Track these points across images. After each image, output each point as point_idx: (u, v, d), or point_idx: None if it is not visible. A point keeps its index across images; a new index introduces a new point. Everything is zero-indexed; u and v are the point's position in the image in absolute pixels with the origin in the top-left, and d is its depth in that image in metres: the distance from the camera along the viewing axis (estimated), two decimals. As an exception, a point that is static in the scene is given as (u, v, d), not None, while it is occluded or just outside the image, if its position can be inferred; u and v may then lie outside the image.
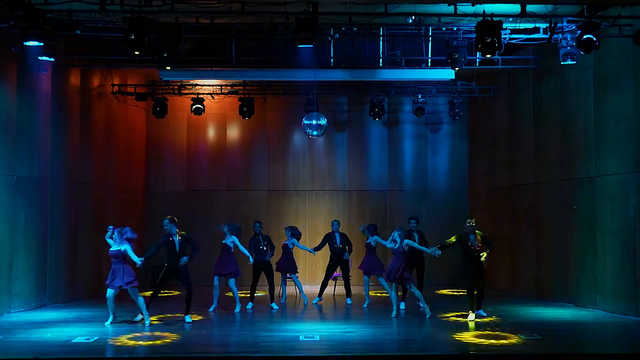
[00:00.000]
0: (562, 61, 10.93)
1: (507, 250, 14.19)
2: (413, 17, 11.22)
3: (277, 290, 12.88)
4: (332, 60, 13.65)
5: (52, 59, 10.57)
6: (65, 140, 12.79)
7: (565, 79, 12.62)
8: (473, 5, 10.08)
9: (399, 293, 11.49)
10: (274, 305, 12.06)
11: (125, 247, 9.86)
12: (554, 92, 13.05)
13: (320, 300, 12.87)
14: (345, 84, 15.35)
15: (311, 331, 9.52)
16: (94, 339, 8.80)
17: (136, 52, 9.84)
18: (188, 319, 10.32)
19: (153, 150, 16.40)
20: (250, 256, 11.71)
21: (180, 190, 16.31)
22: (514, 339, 8.83)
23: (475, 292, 10.62)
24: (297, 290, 13.21)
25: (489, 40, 9.81)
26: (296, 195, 16.47)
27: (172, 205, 15.63)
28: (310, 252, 13.10)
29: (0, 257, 10.79)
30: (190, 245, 10.38)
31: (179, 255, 10.25)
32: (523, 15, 10.10)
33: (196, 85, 15.28)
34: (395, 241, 10.93)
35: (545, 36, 11.21)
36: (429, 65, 13.68)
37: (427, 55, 13.57)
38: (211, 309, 11.59)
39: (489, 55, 10.52)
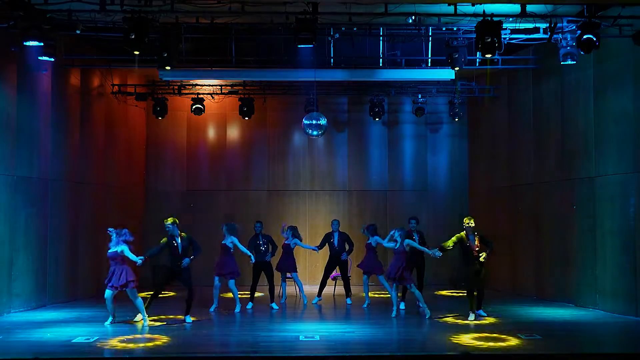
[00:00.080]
0: (562, 61, 10.92)
1: (507, 250, 14.19)
2: (413, 17, 11.22)
3: (277, 290, 12.88)
4: (332, 60, 13.64)
5: (52, 59, 10.58)
6: (65, 140, 12.79)
7: (565, 79, 12.62)
8: (473, 5, 10.07)
9: (399, 294, 11.49)
10: (274, 305, 12.06)
11: (123, 247, 9.84)
12: (554, 92, 13.05)
13: (320, 300, 12.88)
14: (345, 84, 15.36)
15: (311, 331, 9.52)
16: (94, 339, 8.80)
17: (136, 52, 9.84)
18: (188, 319, 10.32)
19: (153, 150, 16.40)
20: (252, 256, 11.71)
21: (180, 190, 16.31)
22: (513, 340, 8.83)
23: (475, 293, 10.62)
24: (297, 290, 13.21)
25: (489, 40, 9.80)
26: (296, 195, 16.47)
27: (172, 205, 15.65)
28: (314, 249, 13.11)
29: (0, 257, 10.79)
30: (192, 246, 10.39)
31: (180, 257, 10.24)
32: (523, 15, 10.10)
33: (196, 85, 15.28)
34: (395, 241, 10.94)
35: (545, 36, 11.20)
36: (429, 65, 13.69)
37: (427, 55, 13.58)
38: (212, 309, 11.60)
39: (489, 55, 10.52)
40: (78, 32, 10.81)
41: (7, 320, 10.39)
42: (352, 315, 11.60)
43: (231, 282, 11.61)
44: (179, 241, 10.29)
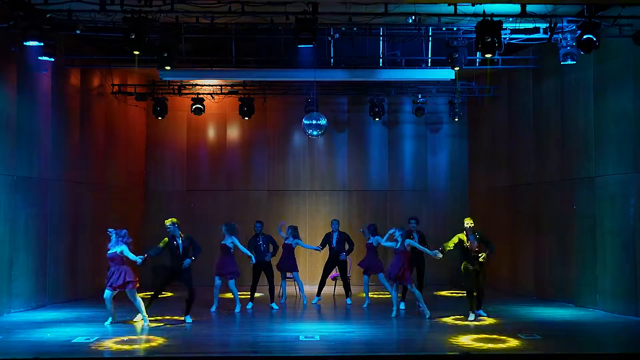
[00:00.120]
0: (562, 61, 10.92)
1: (507, 250, 14.18)
2: (413, 17, 11.21)
3: (277, 290, 12.88)
4: (332, 60, 13.65)
5: (52, 59, 10.58)
6: (65, 140, 12.79)
7: (565, 79, 12.62)
8: (473, 5, 10.07)
9: (399, 294, 11.49)
10: (274, 305, 12.06)
11: (122, 248, 9.83)
12: (554, 92, 13.05)
13: (320, 299, 12.88)
14: (345, 84, 15.35)
15: (311, 331, 9.52)
16: (94, 339, 8.80)
17: (136, 52, 9.83)
18: (188, 319, 10.32)
19: (153, 150, 16.40)
20: (252, 256, 11.71)
21: (180, 190, 16.31)
22: (513, 340, 8.83)
23: (475, 293, 10.62)
24: (297, 289, 13.21)
25: (489, 40, 9.80)
26: (296, 195, 16.47)
27: (172, 205, 15.64)
28: (316, 249, 13.11)
29: (0, 257, 10.79)
30: (192, 246, 10.40)
31: (181, 258, 10.25)
32: (523, 15, 10.09)
33: (196, 85, 15.28)
34: (396, 241, 10.94)
35: (545, 36, 11.20)
36: (429, 65, 13.68)
37: (427, 55, 13.57)
38: (212, 309, 11.60)
39: (489, 55, 10.51)
40: (78, 32, 10.80)
41: (7, 320, 10.39)
42: (352, 315, 11.60)
43: (231, 282, 11.61)
44: (180, 242, 10.30)
